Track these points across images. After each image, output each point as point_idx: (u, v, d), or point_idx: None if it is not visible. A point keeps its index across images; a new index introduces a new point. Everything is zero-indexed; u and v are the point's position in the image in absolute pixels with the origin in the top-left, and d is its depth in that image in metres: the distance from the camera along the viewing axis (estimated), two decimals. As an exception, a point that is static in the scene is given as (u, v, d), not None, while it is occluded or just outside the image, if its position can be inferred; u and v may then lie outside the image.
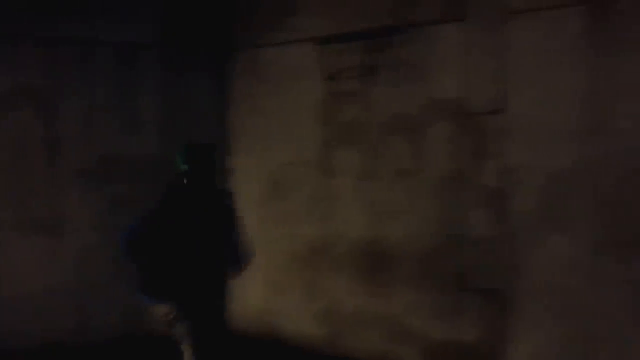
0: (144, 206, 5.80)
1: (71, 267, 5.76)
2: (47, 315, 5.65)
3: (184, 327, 3.75)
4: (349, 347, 5.42)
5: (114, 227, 5.89)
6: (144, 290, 3.73)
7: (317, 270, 5.62)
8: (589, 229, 4.25)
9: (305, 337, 5.66)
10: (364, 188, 5.34)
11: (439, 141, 4.92)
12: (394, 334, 5.18)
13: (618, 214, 4.14)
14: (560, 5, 4.33)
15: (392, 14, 5.15)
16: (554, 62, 4.37)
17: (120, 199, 5.93)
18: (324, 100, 5.62)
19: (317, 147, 5.65)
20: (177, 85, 6.19)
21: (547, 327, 4.43)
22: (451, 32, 4.82)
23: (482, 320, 4.71)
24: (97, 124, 5.85)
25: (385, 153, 5.23)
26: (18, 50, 5.57)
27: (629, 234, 4.11)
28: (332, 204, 5.55)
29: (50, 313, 5.66)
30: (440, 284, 4.92)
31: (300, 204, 5.61)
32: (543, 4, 4.40)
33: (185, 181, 3.84)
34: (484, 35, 4.67)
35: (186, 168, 3.85)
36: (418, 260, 5.05)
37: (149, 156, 6.05)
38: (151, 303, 3.80)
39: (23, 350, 5.46)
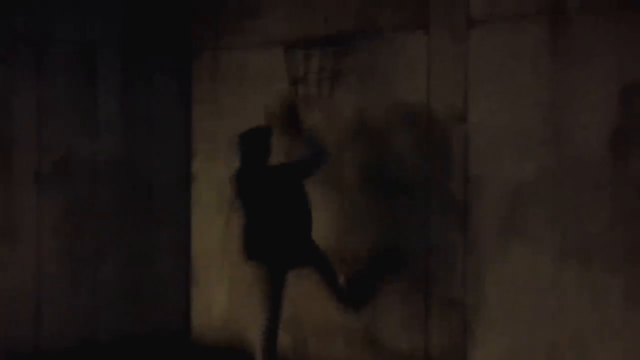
0: (104, 209, 5.82)
1: (28, 273, 5.62)
2: (3, 322, 5.51)
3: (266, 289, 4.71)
4: (314, 355, 5.39)
5: (72, 231, 5.81)
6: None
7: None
8: (551, 237, 4.30)
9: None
10: (329, 195, 5.30)
11: (403, 148, 4.92)
12: (359, 343, 5.16)
13: (579, 223, 4.20)
14: (521, 15, 4.37)
15: (358, 20, 5.13)
16: (515, 72, 4.41)
17: (78, 202, 5.80)
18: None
19: (282, 153, 5.58)
20: (139, 86, 6.07)
21: (511, 336, 4.46)
22: (415, 39, 4.82)
23: (446, 329, 4.72)
24: (54, 124, 5.71)
25: (349, 159, 5.20)
26: (-30, 48, 5.43)
27: (589, 243, 4.16)
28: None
29: (6, 320, 5.52)
30: (405, 292, 4.91)
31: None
32: (504, 14, 4.44)
33: (240, 164, 4.73)
34: (447, 44, 4.69)
35: (239, 154, 4.73)
36: (383, 267, 5.02)
37: (109, 158, 5.93)
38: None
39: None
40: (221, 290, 6.04)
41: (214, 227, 6.08)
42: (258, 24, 5.73)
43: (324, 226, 5.31)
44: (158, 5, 6.15)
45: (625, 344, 4.06)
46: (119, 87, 5.98)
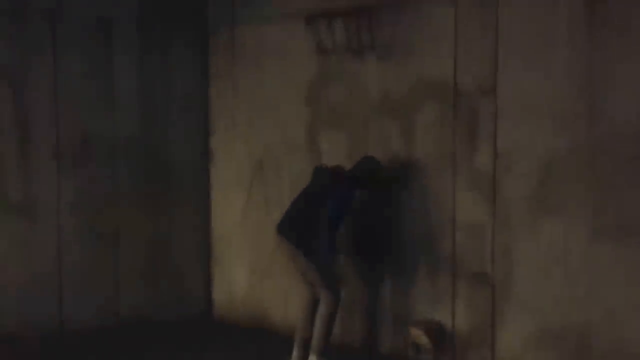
0: (123, 188, 5.75)
1: (49, 250, 5.57)
2: (28, 299, 5.46)
3: None
4: (336, 331, 5.33)
5: (92, 209, 5.74)
6: None
7: (304, 255, 5.48)
8: (585, 214, 4.18)
9: (291, 323, 5.54)
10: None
11: (429, 122, 4.80)
12: (383, 319, 5.09)
13: (613, 199, 4.07)
14: (556, -18, 4.21)
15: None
16: (548, 43, 4.26)
17: (97, 180, 5.73)
18: (310, 79, 5.44)
19: (303, 129, 5.49)
20: (156, 62, 5.97)
21: (541, 313, 4.37)
22: (442, 10, 4.67)
23: (474, 306, 4.64)
24: (71, 102, 5.63)
25: (374, 135, 5.09)
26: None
27: (624, 219, 4.04)
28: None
29: (27, 300, 5.48)
30: (433, 268, 4.84)
31: (286, 188, 5.46)
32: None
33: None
34: (475, 13, 4.53)
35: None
36: (410, 244, 4.95)
37: (127, 135, 5.84)
38: None
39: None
40: (242, 267, 5.98)
41: (234, 205, 6.01)
42: (278, -3, 5.60)
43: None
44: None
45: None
46: (136, 64, 5.88)
